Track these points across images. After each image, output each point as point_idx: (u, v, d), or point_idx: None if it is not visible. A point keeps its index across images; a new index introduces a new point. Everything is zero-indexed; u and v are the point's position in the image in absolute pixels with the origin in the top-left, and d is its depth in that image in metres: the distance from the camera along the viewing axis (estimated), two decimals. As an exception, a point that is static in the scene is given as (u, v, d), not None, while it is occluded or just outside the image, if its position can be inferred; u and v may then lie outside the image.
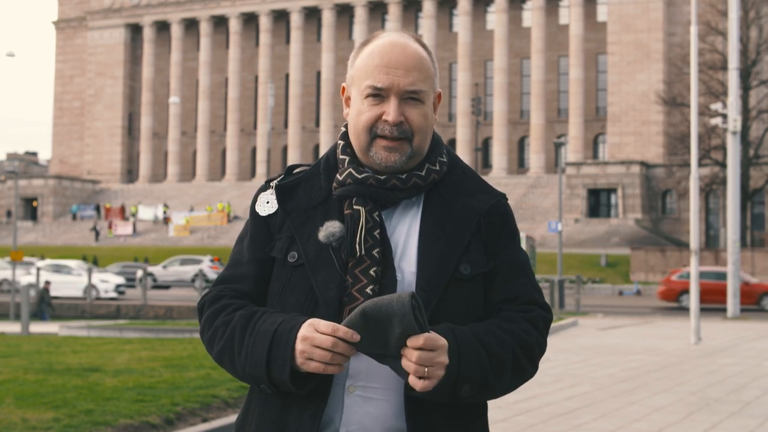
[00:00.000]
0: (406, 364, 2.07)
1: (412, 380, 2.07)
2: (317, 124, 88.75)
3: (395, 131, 2.24)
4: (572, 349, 17.26)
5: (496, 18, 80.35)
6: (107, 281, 39.69)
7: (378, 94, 2.25)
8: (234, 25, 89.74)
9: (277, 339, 2.15)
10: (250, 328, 2.21)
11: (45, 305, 33.21)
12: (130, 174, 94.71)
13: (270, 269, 2.33)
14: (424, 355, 2.05)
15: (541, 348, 2.29)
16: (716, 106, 36.18)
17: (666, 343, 18.75)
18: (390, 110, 2.24)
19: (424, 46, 2.34)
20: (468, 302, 2.25)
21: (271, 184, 2.39)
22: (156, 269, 47.72)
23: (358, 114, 2.28)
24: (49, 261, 45.67)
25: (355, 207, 2.26)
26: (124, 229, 73.84)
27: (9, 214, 79.23)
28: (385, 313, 2.05)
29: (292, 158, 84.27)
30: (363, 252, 2.22)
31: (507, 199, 2.39)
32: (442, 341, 2.09)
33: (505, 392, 2.26)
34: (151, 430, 7.86)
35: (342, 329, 2.09)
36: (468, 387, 2.13)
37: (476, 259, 2.27)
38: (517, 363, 2.22)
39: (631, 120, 73.43)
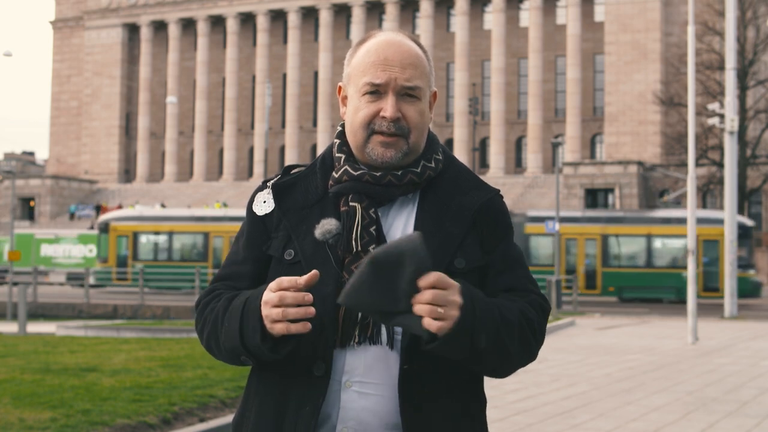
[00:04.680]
0: (419, 308, 2.03)
1: (427, 322, 2.02)
2: (314, 123, 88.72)
3: (392, 127, 2.26)
4: (570, 348, 17.27)
5: (493, 18, 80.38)
6: None
7: (375, 91, 2.27)
8: (231, 25, 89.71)
9: (247, 307, 2.18)
10: (229, 307, 2.25)
11: None
12: (128, 174, 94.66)
13: (266, 268, 2.34)
14: (438, 293, 2.03)
15: (541, 330, 2.29)
16: (713, 106, 36.18)
17: (663, 343, 18.77)
18: (387, 106, 2.26)
19: (419, 44, 2.36)
20: None
21: (267, 183, 2.41)
22: None
23: (356, 111, 2.30)
24: None
25: (351, 204, 2.28)
26: (121, 228, 73.71)
27: None
28: (396, 255, 2.01)
29: (290, 158, 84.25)
30: (359, 248, 2.23)
31: (502, 196, 2.41)
32: (454, 281, 2.08)
33: (514, 364, 2.25)
34: (149, 430, 7.86)
35: (286, 279, 2.10)
36: (485, 337, 2.11)
37: (471, 253, 2.29)
38: (523, 332, 2.22)
39: (629, 120, 73.45)
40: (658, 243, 39.22)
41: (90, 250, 53.21)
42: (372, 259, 2.03)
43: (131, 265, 42.99)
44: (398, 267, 2.01)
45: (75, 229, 65.04)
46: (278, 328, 2.11)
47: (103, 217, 47.96)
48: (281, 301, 2.10)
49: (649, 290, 37.05)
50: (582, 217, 41.93)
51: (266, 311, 2.12)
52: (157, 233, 44.86)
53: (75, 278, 50.48)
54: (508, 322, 2.18)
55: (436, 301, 2.03)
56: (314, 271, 2.12)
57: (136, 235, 44.61)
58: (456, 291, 2.07)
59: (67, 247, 53.45)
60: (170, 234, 44.54)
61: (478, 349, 2.12)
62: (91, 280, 46.05)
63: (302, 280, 2.09)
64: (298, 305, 2.09)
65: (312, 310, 2.09)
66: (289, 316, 2.09)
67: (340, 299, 2.06)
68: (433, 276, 2.03)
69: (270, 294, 2.12)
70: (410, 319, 2.04)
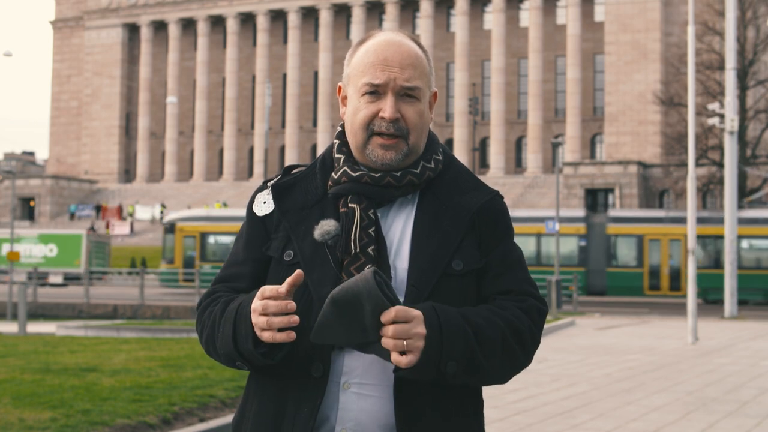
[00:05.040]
0: (385, 342, 2.06)
1: (395, 357, 2.06)
2: (314, 123, 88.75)
3: (391, 128, 2.25)
4: (570, 348, 17.27)
5: (493, 18, 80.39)
6: None
7: (375, 91, 2.27)
8: (231, 25, 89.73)
9: (239, 313, 2.20)
10: (225, 311, 2.26)
11: None
12: (128, 174, 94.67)
13: (266, 269, 2.34)
14: (399, 327, 2.05)
15: (534, 336, 2.27)
16: (713, 106, 36.15)
17: (663, 343, 18.77)
18: (386, 107, 2.25)
19: (419, 44, 2.35)
20: (460, 298, 2.24)
21: (268, 184, 2.41)
22: None
23: (355, 112, 2.29)
24: None
25: (350, 205, 2.27)
26: (121, 228, 73.80)
27: None
28: (353, 294, 2.04)
29: (290, 158, 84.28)
30: (358, 249, 2.23)
31: (502, 197, 2.40)
32: (415, 312, 2.08)
33: (498, 378, 2.24)
34: (149, 430, 7.86)
35: (268, 289, 2.12)
36: (453, 364, 2.11)
37: (469, 254, 2.28)
38: (508, 347, 2.20)
39: (629, 120, 73.46)
40: (744, 243, 38.06)
41: (50, 250, 53.13)
42: (331, 300, 2.06)
43: (199, 266, 42.10)
44: (358, 306, 2.04)
45: (74, 228, 65.03)
46: (265, 337, 2.13)
47: (169, 218, 47.54)
48: (264, 310, 2.11)
49: None
50: (666, 218, 41.17)
51: (254, 319, 2.14)
52: (225, 233, 43.83)
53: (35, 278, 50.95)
54: (487, 340, 2.16)
55: (398, 336, 2.05)
56: (298, 272, 2.13)
57: (203, 236, 43.89)
58: (419, 322, 2.08)
59: (28, 246, 53.44)
60: None
61: (447, 376, 2.13)
62: (157, 281, 45.62)
63: (283, 288, 2.11)
64: (282, 314, 2.10)
65: (295, 318, 2.10)
66: (274, 326, 2.10)
67: (312, 337, 2.10)
68: (394, 311, 2.04)
69: (256, 302, 2.14)
70: (380, 348, 2.08)
